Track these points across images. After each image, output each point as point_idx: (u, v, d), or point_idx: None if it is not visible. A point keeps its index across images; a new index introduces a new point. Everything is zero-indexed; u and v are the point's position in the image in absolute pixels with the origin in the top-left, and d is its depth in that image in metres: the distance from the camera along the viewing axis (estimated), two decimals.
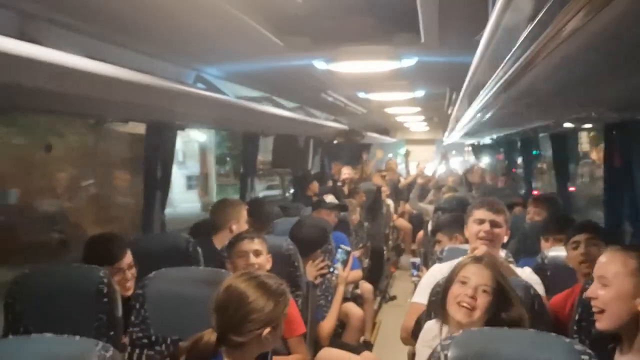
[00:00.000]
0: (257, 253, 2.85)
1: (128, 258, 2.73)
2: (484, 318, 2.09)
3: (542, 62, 1.20)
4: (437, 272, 2.79)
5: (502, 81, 1.58)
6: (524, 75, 1.40)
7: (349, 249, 3.76)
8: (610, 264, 1.88)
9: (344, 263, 3.61)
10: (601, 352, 1.81)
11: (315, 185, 6.66)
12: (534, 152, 7.23)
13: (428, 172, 10.86)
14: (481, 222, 2.79)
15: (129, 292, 2.66)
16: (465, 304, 2.11)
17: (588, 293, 1.95)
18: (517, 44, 1.23)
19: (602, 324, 1.87)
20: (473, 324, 2.07)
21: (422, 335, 2.34)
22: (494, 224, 2.76)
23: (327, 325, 3.45)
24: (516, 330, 1.73)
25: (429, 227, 5.15)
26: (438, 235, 4.08)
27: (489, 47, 1.53)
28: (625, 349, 1.86)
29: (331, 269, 3.55)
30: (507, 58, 1.36)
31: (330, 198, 5.43)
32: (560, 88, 1.65)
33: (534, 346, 1.56)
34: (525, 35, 1.15)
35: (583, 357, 1.50)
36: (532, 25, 1.09)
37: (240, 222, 3.65)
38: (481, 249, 2.65)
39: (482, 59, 1.79)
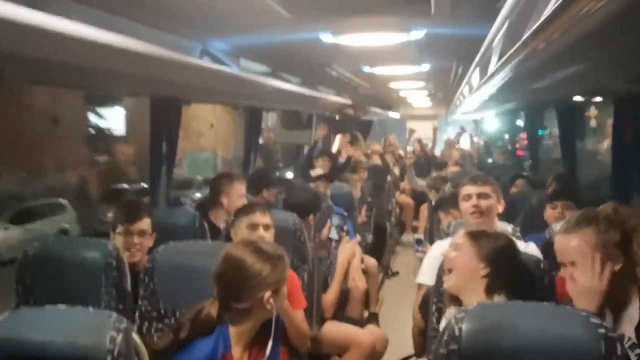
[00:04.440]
0: (267, 227, 2.78)
1: (142, 225, 2.76)
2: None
3: (566, 34, 1.17)
4: (439, 249, 2.79)
5: (523, 53, 1.54)
6: (546, 47, 1.36)
7: (344, 213, 3.77)
8: None
9: (340, 228, 3.61)
10: None
11: (321, 161, 6.68)
12: (538, 128, 7.18)
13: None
14: (468, 197, 2.85)
15: (134, 259, 2.70)
16: None
17: None
18: (542, 17, 1.19)
19: None
20: None
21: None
22: (480, 196, 2.81)
23: (330, 296, 3.44)
24: (532, 304, 1.69)
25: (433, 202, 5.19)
26: (439, 213, 4.18)
27: (509, 16, 1.48)
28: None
29: (330, 236, 3.56)
30: (530, 29, 1.31)
31: (318, 171, 5.52)
32: (583, 59, 1.61)
33: (550, 319, 1.53)
34: (551, 7, 1.12)
35: (600, 330, 1.47)
36: None
37: (231, 197, 3.58)
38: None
39: (501, 30, 1.75)
